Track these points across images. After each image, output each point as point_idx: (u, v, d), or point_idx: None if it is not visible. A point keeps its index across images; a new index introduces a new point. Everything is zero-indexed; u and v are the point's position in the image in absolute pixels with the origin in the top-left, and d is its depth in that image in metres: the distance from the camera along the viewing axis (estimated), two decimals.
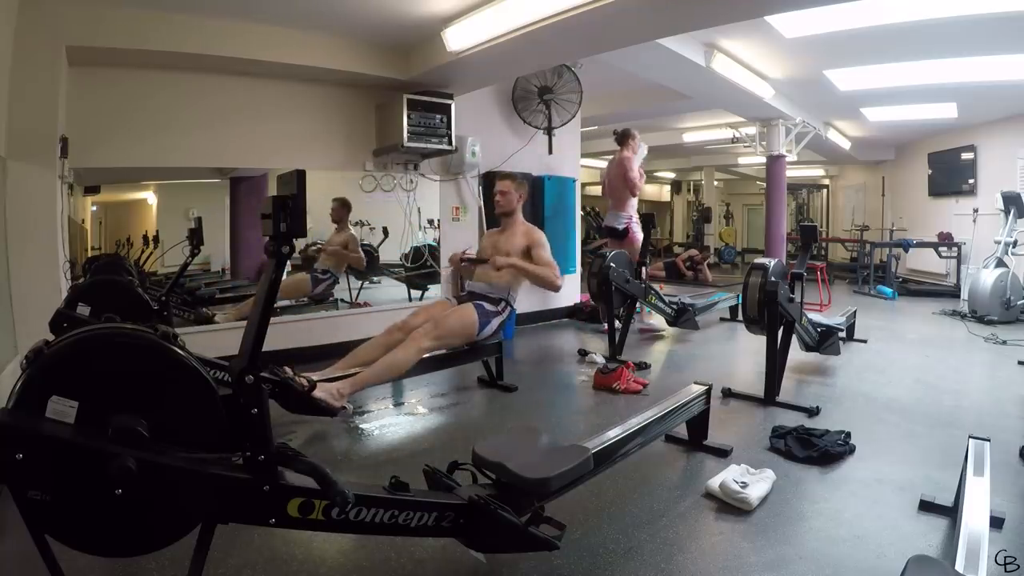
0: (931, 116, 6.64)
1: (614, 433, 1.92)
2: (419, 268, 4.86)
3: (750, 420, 2.85)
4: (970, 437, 1.87)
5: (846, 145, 8.46)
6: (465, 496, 1.46)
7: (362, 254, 4.59)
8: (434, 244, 4.88)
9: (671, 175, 14.44)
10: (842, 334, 4.14)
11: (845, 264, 10.24)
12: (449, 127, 4.21)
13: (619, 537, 1.79)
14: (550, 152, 5.36)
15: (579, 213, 6.12)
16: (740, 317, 3.88)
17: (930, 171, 8.08)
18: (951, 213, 7.45)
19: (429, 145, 4.13)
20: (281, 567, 1.62)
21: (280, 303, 4.16)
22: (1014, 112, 6.37)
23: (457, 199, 4.96)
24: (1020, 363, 3.90)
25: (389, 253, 4.77)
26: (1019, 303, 5.36)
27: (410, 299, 4.86)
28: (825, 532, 1.81)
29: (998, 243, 5.69)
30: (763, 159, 7.04)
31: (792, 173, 9.30)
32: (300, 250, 4.42)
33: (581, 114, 5.62)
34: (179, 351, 1.17)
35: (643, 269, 4.40)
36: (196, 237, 3.30)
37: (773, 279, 2.98)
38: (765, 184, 7.33)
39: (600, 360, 3.91)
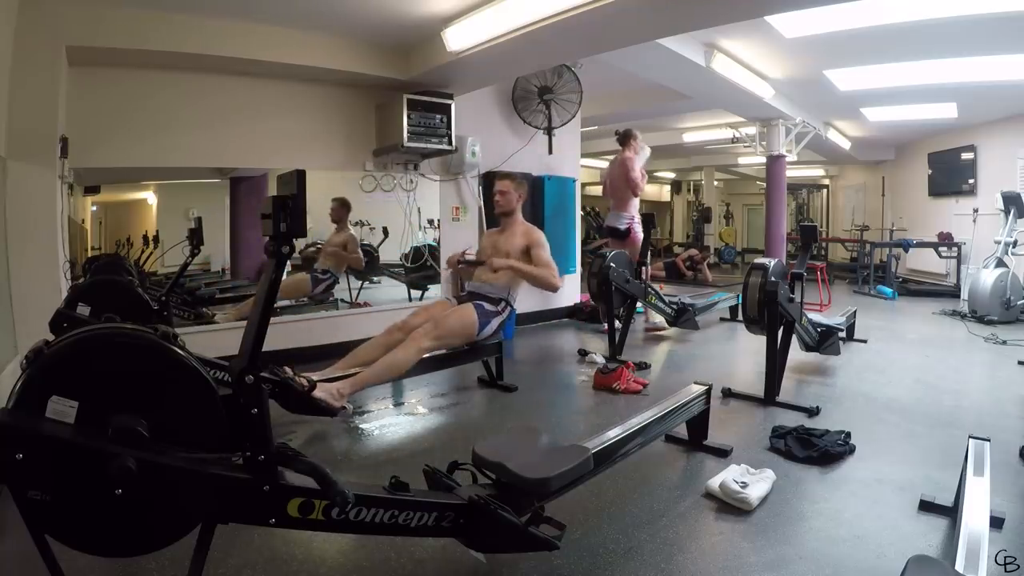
0: (931, 116, 6.64)
1: (614, 433, 1.91)
2: (419, 268, 4.86)
3: (750, 420, 2.85)
4: (970, 437, 1.87)
5: (846, 145, 8.46)
6: (465, 496, 1.46)
7: (361, 254, 4.59)
8: (434, 244, 4.88)
9: (671, 175, 14.43)
10: (842, 334, 4.14)
11: (845, 264, 10.23)
12: (449, 127, 4.21)
13: (619, 537, 1.79)
14: (550, 152, 5.36)
15: (579, 213, 6.12)
16: (740, 317, 3.88)
17: (930, 171, 8.08)
18: (951, 213, 7.45)
19: (429, 145, 4.13)
20: (281, 567, 1.62)
21: (280, 303, 4.16)
22: (1014, 112, 6.37)
23: (457, 199, 4.97)
24: (1020, 363, 3.90)
25: (389, 253, 4.77)
26: (1019, 303, 5.36)
27: (410, 299, 4.86)
28: (825, 532, 1.81)
29: (998, 243, 5.69)
30: (763, 159, 7.03)
31: (792, 173, 9.30)
32: (300, 250, 4.43)
33: (581, 114, 5.62)
34: (179, 351, 1.17)
35: (644, 269, 4.40)
36: (196, 237, 3.29)
37: (773, 279, 2.98)
38: (765, 184, 7.33)
39: (600, 360, 3.91)
